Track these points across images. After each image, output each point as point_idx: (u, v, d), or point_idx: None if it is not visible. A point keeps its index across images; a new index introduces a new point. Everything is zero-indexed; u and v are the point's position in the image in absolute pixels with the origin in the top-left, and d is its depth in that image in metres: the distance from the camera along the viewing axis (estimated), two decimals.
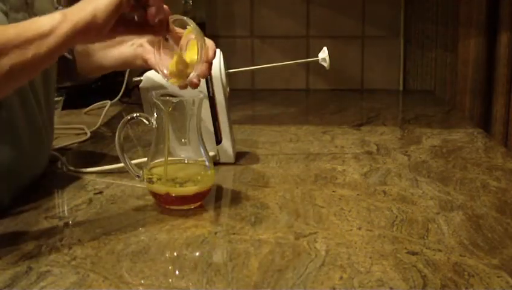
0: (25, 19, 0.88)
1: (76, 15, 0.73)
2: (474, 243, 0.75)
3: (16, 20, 0.85)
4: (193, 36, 0.85)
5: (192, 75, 0.85)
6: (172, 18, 0.84)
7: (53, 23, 0.72)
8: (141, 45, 0.99)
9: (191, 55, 0.85)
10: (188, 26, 0.85)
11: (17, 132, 0.88)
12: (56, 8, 1.03)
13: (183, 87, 0.87)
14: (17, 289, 0.64)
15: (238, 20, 1.90)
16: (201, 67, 0.85)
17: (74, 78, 1.09)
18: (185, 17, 0.85)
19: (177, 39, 0.87)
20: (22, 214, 0.84)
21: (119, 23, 0.78)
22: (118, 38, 1.02)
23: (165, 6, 0.83)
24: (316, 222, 0.82)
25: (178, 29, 0.88)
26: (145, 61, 0.98)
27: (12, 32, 0.72)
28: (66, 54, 1.05)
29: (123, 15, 0.78)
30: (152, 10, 0.80)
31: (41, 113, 0.95)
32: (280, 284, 0.65)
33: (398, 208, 0.87)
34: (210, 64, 0.90)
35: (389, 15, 1.87)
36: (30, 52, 0.71)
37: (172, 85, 0.88)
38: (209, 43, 0.91)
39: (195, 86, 0.86)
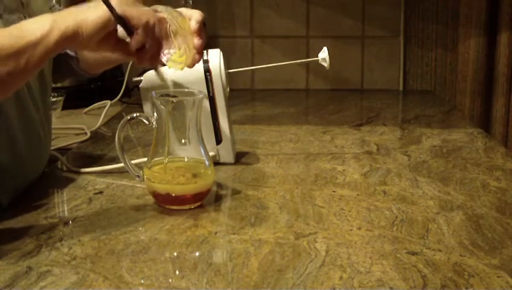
0: (20, 20, 0.88)
1: (64, 23, 0.74)
2: (474, 243, 0.75)
3: (11, 22, 0.85)
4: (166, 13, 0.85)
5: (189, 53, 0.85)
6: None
7: (43, 31, 0.73)
8: None
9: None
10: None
11: (14, 133, 0.88)
12: (51, 8, 1.03)
13: (191, 66, 0.87)
14: (17, 289, 0.64)
15: (238, 20, 1.90)
16: (192, 41, 0.85)
17: (76, 74, 1.09)
18: (155, 6, 0.84)
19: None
20: (22, 214, 0.84)
21: (108, 39, 0.78)
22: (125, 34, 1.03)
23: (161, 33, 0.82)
24: (316, 222, 0.82)
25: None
26: None
27: (6, 41, 0.72)
28: (69, 51, 1.05)
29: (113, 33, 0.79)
30: (134, 39, 0.79)
31: (38, 112, 0.95)
32: (280, 284, 0.65)
33: (398, 208, 0.87)
34: (199, 34, 0.88)
35: (389, 15, 1.87)
36: (23, 60, 0.72)
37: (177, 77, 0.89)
38: (195, 14, 0.89)
39: (198, 60, 0.87)
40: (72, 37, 0.74)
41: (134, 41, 0.79)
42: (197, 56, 0.87)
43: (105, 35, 0.77)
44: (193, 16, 0.88)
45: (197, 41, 0.87)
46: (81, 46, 0.78)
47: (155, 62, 0.84)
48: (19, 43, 0.72)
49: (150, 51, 0.81)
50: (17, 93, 0.89)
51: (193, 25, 0.87)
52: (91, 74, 1.10)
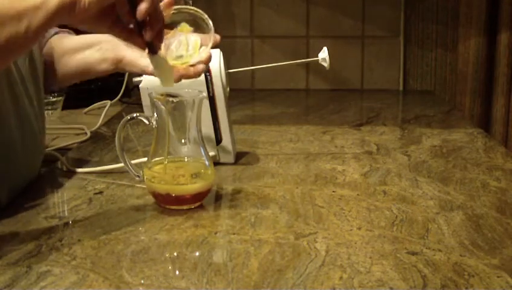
0: None
1: None
2: (474, 243, 0.75)
3: None
4: (183, 34, 0.84)
5: (196, 61, 0.85)
6: (175, 9, 0.83)
7: None
8: (113, 47, 0.99)
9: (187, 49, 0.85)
10: (178, 25, 0.84)
11: (10, 127, 0.88)
12: None
13: (178, 79, 0.87)
14: (17, 289, 0.64)
15: (238, 20, 1.90)
16: (207, 53, 0.85)
17: (49, 87, 1.07)
18: (196, 10, 0.84)
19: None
20: (21, 214, 0.84)
21: (107, 16, 0.77)
22: (86, 42, 1.02)
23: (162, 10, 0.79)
24: (316, 222, 0.82)
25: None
26: (120, 60, 0.98)
27: (7, 3, 0.71)
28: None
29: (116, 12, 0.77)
30: (140, 8, 0.75)
31: (33, 106, 0.94)
32: (280, 284, 0.65)
33: (398, 208, 0.87)
34: (207, 62, 0.90)
35: (389, 15, 1.87)
36: (23, 24, 0.71)
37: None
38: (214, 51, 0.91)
39: (201, 71, 0.88)
40: (73, 4, 0.72)
41: (140, 11, 0.75)
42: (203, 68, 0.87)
43: (104, 11, 0.76)
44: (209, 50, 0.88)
45: (209, 54, 0.87)
46: (81, 16, 0.74)
47: (157, 42, 0.80)
48: (21, 6, 0.71)
49: (155, 26, 0.78)
50: (12, 86, 0.88)
51: (218, 37, 0.87)
52: (59, 86, 1.09)
